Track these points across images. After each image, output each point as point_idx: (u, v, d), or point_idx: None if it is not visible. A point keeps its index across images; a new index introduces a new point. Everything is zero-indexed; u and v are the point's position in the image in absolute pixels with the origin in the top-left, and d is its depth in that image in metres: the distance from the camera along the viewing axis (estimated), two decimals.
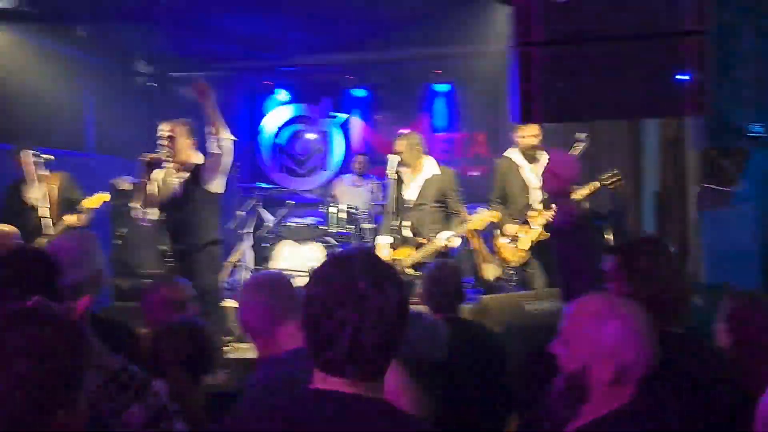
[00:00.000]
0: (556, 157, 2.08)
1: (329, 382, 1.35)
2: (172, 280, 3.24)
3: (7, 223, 5.58)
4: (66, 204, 5.84)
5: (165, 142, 5.21)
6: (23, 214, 5.69)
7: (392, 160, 5.69)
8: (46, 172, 5.84)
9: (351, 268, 1.37)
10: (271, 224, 7.57)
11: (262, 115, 9.78)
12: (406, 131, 6.08)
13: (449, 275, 3.35)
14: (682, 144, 5.03)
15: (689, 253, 4.90)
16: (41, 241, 5.56)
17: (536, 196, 5.45)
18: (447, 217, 5.72)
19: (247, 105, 9.82)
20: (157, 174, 5.29)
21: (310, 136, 9.81)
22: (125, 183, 7.26)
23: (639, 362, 1.72)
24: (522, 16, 3.18)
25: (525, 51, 3.20)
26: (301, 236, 7.16)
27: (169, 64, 9.44)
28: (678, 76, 2.97)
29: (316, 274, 1.42)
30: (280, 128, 9.81)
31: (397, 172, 5.75)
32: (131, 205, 5.42)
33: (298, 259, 6.92)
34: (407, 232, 5.56)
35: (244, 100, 9.83)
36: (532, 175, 5.52)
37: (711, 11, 2.98)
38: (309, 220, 7.59)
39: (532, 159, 5.54)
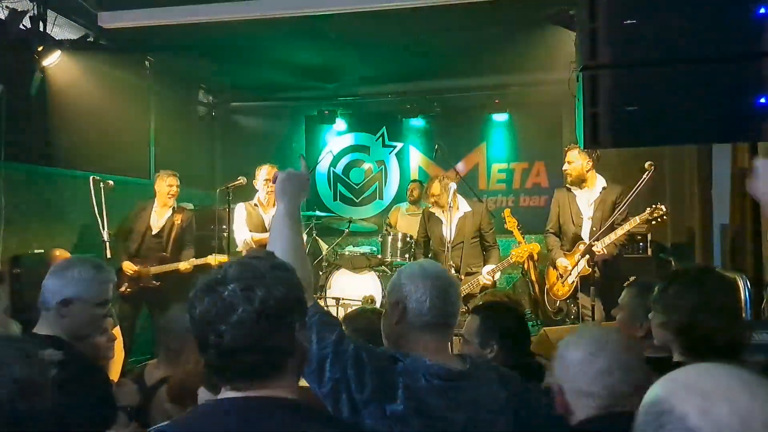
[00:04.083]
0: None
1: (225, 390, 1.41)
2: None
3: (121, 241, 6.07)
4: (180, 244, 6.27)
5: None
6: (139, 238, 6.09)
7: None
8: (174, 203, 6.31)
9: (225, 271, 1.41)
10: (326, 253, 7.56)
11: (320, 144, 9.83)
12: (438, 175, 6.18)
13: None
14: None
15: (764, 287, 4.65)
16: (152, 270, 5.99)
17: (588, 227, 5.30)
18: (485, 250, 5.83)
19: (305, 134, 9.88)
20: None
21: (367, 165, 9.80)
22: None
23: None
24: (588, 37, 3.08)
25: (591, 74, 3.10)
26: (356, 265, 7.10)
27: (229, 94, 9.62)
28: (756, 99, 2.82)
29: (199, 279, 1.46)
30: (337, 157, 9.84)
31: (430, 212, 5.98)
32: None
33: (354, 288, 6.87)
34: (450, 271, 5.51)
35: (302, 130, 9.91)
36: (585, 205, 5.37)
37: None
38: (365, 249, 7.54)
39: (584, 187, 5.39)
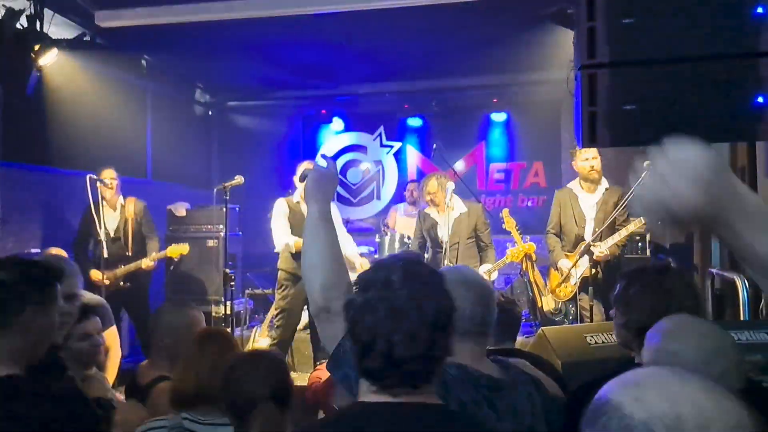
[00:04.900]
0: None
1: (372, 394, 1.37)
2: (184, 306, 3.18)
3: (80, 250, 5.82)
4: (141, 239, 6.09)
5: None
6: (102, 245, 5.77)
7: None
8: (121, 199, 6.06)
9: (389, 276, 1.38)
10: None
11: (317, 144, 9.81)
12: (434, 173, 6.12)
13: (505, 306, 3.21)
14: (753, 172, 4.80)
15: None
16: (118, 273, 5.82)
17: (590, 228, 5.29)
18: (480, 250, 5.78)
19: (303, 133, 9.87)
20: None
21: (365, 165, 9.79)
22: (181, 209, 7.36)
23: None
24: (587, 36, 3.06)
25: (590, 73, 3.08)
26: (354, 266, 7.07)
27: (226, 93, 9.60)
28: (754, 99, 2.80)
29: (358, 279, 1.44)
30: (334, 157, 9.81)
31: (426, 213, 5.90)
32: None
33: None
34: None
35: (299, 129, 9.89)
36: (588, 206, 5.36)
37: None
38: (362, 250, 7.52)
39: (590, 188, 5.38)
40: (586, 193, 5.39)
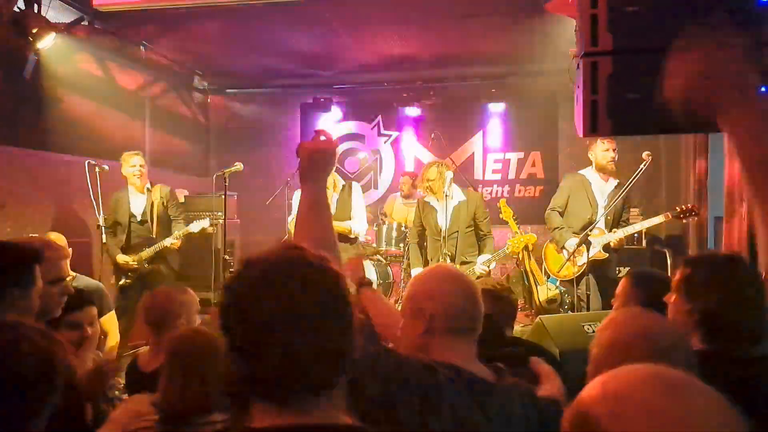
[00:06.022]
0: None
1: (261, 416, 1.15)
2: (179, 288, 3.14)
3: (111, 236, 5.87)
4: (166, 222, 6.10)
5: None
6: (125, 228, 5.90)
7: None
8: (148, 184, 6.05)
9: (263, 265, 1.19)
10: None
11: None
12: (436, 161, 6.06)
13: (501, 295, 3.20)
14: None
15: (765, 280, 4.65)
16: (143, 255, 5.85)
17: (599, 215, 5.32)
18: (479, 239, 5.73)
19: (301, 122, 9.84)
20: None
21: (362, 154, 9.77)
22: (179, 196, 7.34)
23: None
24: (589, 23, 3.05)
25: (592, 60, 3.07)
26: (351, 254, 7.07)
27: (225, 81, 9.56)
28: (760, 89, 2.80)
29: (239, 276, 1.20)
30: None
31: (425, 201, 5.83)
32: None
33: None
34: (446, 260, 5.49)
35: (297, 117, 9.86)
36: (601, 194, 5.38)
37: None
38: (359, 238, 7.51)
39: (605, 178, 5.42)
40: (601, 180, 5.43)
